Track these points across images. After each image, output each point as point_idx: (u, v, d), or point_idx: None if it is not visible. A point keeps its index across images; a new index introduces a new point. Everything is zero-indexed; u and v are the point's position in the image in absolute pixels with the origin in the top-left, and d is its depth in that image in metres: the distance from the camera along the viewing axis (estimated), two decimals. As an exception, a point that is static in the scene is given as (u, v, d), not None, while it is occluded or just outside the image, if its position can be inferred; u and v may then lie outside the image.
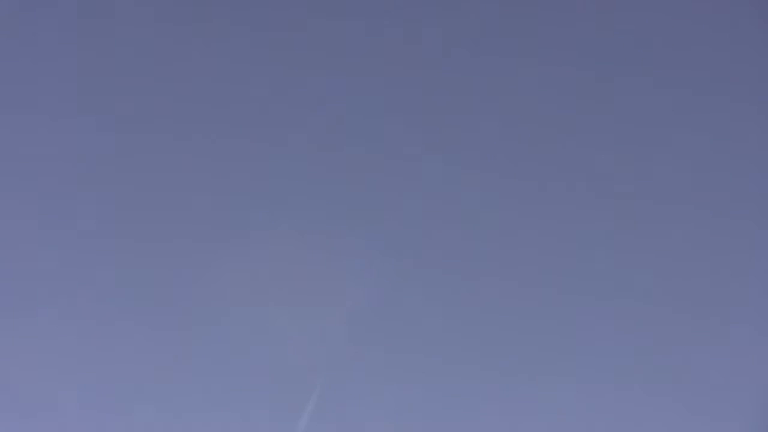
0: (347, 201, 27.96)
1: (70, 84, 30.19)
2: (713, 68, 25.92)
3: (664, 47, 25.61)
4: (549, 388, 25.72)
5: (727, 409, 24.38)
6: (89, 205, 29.61)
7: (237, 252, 28.10)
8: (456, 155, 26.20)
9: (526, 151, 26.09)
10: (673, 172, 27.30)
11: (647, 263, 25.42)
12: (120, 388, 27.44)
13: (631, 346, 24.84)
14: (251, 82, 29.40)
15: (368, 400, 25.75)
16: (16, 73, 29.66)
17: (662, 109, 25.55)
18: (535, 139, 25.30)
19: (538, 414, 25.57)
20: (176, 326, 27.74)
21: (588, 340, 25.73)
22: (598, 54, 25.87)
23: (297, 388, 26.83)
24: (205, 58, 29.61)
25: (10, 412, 25.46)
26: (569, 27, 26.93)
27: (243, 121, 30.97)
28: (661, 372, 25.18)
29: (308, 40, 29.19)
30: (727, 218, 25.85)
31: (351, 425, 26.55)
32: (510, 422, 25.21)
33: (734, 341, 24.19)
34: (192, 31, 30.14)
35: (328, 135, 27.84)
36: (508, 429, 24.62)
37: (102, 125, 30.62)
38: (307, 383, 25.97)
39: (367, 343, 25.92)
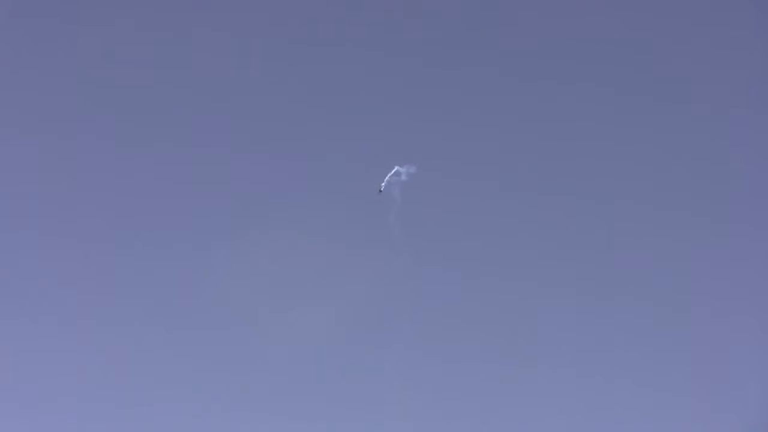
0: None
1: (70, 86, 31.42)
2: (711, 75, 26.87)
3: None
4: (552, 389, 27.06)
5: (727, 408, 25.32)
6: (91, 206, 30.84)
7: (239, 255, 29.48)
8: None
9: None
10: (667, 173, 28.51)
11: (649, 266, 26.56)
12: (123, 388, 28.48)
13: (633, 346, 26.02)
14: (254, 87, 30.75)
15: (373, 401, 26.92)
16: (16, 74, 31.01)
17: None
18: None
19: (542, 411, 26.88)
20: (179, 327, 28.91)
21: (590, 340, 26.98)
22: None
23: (297, 387, 28.07)
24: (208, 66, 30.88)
25: (10, 411, 26.43)
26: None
27: (243, 127, 32.36)
28: (662, 371, 26.24)
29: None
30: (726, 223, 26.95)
31: (353, 423, 27.87)
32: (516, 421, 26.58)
33: (734, 341, 25.17)
34: (193, 37, 31.42)
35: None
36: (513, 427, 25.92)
37: (103, 127, 31.93)
38: (308, 384, 27.20)
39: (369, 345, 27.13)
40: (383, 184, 37.41)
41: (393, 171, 32.59)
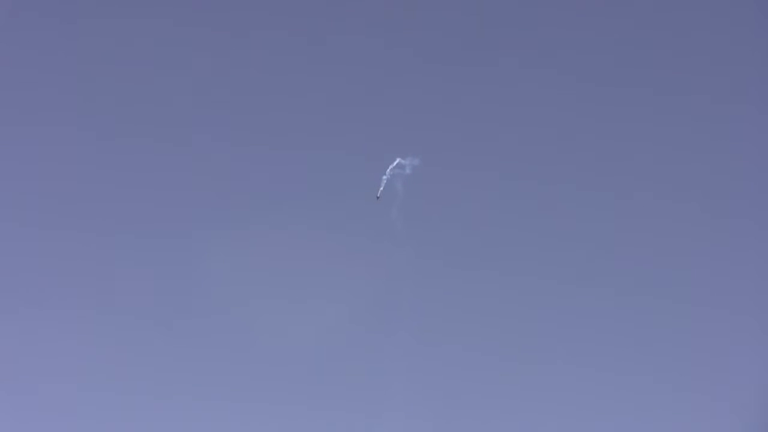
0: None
1: (72, 86, 31.51)
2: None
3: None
4: (553, 385, 27.16)
5: (727, 408, 25.34)
6: (91, 205, 30.98)
7: (238, 249, 29.57)
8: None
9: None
10: (674, 171, 28.68)
11: (649, 264, 26.67)
12: (121, 386, 28.59)
13: (634, 344, 26.07)
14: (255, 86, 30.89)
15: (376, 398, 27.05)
16: (17, 75, 31.00)
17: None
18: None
19: (542, 409, 27.00)
20: (178, 324, 29.02)
21: (592, 337, 27.06)
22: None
23: (299, 382, 28.17)
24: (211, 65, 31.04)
25: (11, 410, 26.40)
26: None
27: (243, 126, 32.55)
28: (661, 370, 26.31)
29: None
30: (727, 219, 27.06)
31: (354, 421, 27.98)
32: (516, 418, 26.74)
33: (735, 340, 25.20)
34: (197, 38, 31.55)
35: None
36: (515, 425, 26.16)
37: (103, 127, 32.06)
38: (310, 379, 27.33)
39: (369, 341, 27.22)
40: (382, 186, 36.57)
41: (395, 163, 31.81)
